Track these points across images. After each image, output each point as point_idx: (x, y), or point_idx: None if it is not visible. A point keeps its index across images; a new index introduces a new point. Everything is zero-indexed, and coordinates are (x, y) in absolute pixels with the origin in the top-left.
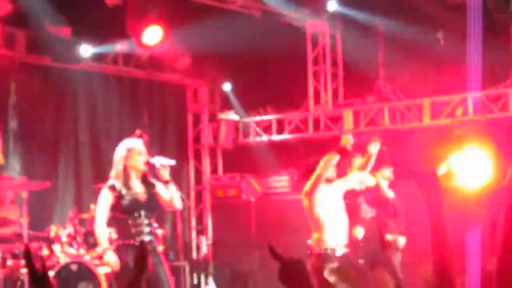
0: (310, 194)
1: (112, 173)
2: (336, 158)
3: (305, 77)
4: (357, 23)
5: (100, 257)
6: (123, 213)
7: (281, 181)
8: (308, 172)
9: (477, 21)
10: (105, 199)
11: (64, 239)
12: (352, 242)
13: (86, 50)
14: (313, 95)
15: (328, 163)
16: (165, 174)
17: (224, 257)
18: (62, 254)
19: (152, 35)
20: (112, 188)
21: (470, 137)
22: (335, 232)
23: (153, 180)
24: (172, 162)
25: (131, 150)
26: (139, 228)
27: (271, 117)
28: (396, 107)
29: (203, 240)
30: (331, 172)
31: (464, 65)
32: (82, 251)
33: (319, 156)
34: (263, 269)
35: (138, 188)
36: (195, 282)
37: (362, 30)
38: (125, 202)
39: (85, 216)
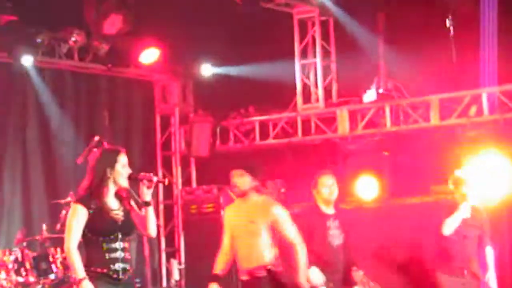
0: None
1: (85, 183)
2: None
3: (292, 72)
4: (352, 8)
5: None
6: (97, 235)
7: (266, 194)
8: None
9: (491, 6)
10: (79, 216)
11: (10, 265)
12: None
13: (35, 42)
14: (302, 93)
15: None
16: (148, 193)
17: (199, 284)
18: (8, 283)
19: (113, 24)
20: (86, 202)
21: (486, 140)
22: None
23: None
24: (164, 179)
25: (116, 161)
26: (113, 254)
27: (254, 119)
28: (399, 106)
29: (174, 264)
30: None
31: (477, 57)
32: (31, 278)
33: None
34: None
35: (113, 204)
36: None
37: (359, 15)
38: (101, 221)
39: (36, 238)
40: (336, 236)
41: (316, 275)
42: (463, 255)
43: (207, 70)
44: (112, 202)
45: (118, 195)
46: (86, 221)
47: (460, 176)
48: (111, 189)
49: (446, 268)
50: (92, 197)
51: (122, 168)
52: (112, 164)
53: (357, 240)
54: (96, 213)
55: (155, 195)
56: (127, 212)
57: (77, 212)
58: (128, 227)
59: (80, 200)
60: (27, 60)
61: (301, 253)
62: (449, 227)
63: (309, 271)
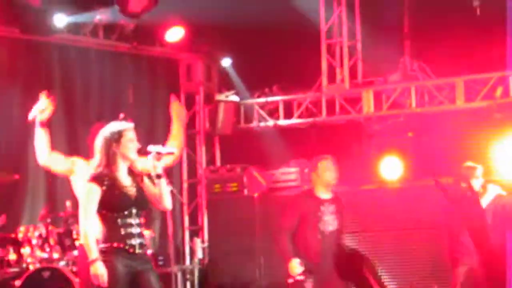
0: None
1: (95, 162)
2: None
3: (317, 51)
4: None
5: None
6: (111, 211)
7: (289, 174)
8: None
9: None
10: (92, 193)
11: (34, 241)
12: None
13: (60, 19)
14: (327, 73)
15: None
16: (159, 166)
17: (222, 263)
18: (32, 258)
19: (139, 1)
20: (99, 179)
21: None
22: None
23: (139, 172)
24: (173, 150)
25: (122, 136)
26: (129, 229)
27: (278, 98)
28: (424, 87)
29: (197, 243)
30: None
31: (504, 38)
32: (55, 255)
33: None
34: (268, 277)
35: (126, 181)
36: None
37: None
38: (114, 197)
39: (60, 214)
40: (329, 222)
41: (295, 265)
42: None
43: (226, 63)
44: (124, 178)
45: (131, 171)
46: (100, 198)
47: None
48: (121, 165)
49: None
50: (104, 174)
51: (128, 142)
52: (118, 139)
53: (380, 220)
54: (108, 190)
55: (178, 173)
56: (140, 188)
57: (90, 191)
58: (142, 202)
59: (93, 178)
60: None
61: None
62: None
63: (290, 262)
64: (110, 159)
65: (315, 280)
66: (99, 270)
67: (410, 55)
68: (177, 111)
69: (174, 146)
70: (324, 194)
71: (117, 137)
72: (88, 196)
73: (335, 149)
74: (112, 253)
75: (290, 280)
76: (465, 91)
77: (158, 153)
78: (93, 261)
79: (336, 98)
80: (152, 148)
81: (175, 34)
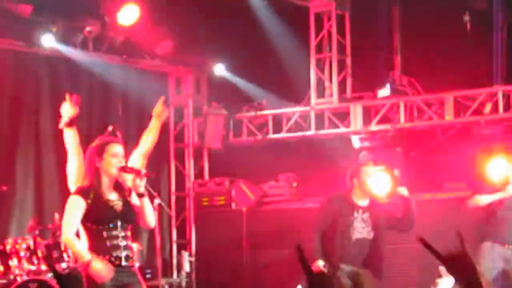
0: None
1: (82, 176)
2: None
3: (307, 66)
4: (368, 1)
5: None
6: (96, 224)
7: (278, 188)
8: None
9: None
10: (76, 206)
11: (22, 253)
12: None
13: (50, 31)
14: (316, 87)
15: None
16: (141, 185)
17: (209, 277)
18: (20, 270)
19: (128, 14)
20: (84, 193)
21: (501, 139)
22: None
23: (127, 186)
24: (147, 173)
25: (104, 151)
26: (114, 241)
27: (267, 112)
28: (413, 102)
29: (185, 256)
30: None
31: (491, 54)
32: (43, 267)
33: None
34: None
35: (111, 195)
36: None
37: (374, 10)
38: (99, 210)
39: (48, 226)
40: (358, 229)
41: (318, 266)
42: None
43: (219, 70)
44: (108, 192)
45: (118, 185)
46: (85, 211)
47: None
48: (104, 180)
49: (492, 235)
50: (90, 188)
51: (111, 158)
52: (99, 153)
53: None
54: (93, 203)
55: (167, 186)
56: (127, 202)
57: (74, 203)
58: (128, 216)
59: (78, 191)
60: (45, 44)
61: None
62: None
63: (315, 262)
64: (93, 174)
65: None
66: (101, 266)
67: (400, 70)
68: (158, 110)
69: (148, 140)
70: (360, 201)
71: (99, 151)
72: (71, 208)
73: (324, 163)
74: None
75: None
76: (454, 107)
77: (137, 174)
78: (89, 262)
79: (325, 112)
80: (130, 169)
81: (164, 46)
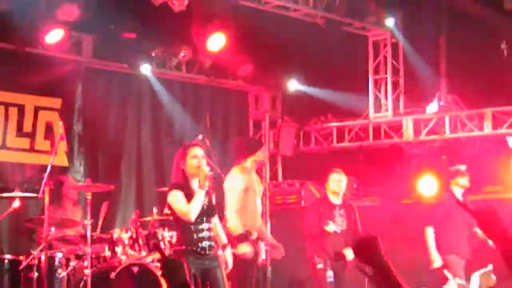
0: None
1: (173, 176)
2: None
3: (366, 86)
4: (419, 33)
5: (159, 260)
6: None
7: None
8: None
9: None
10: (180, 196)
11: (126, 241)
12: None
13: (150, 55)
14: (374, 104)
15: None
16: (206, 184)
17: (281, 263)
18: (124, 256)
19: (216, 41)
20: (181, 188)
21: None
22: None
23: (211, 185)
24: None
25: (186, 154)
26: (201, 233)
27: (332, 125)
28: (457, 117)
29: (261, 245)
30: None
31: None
32: (143, 253)
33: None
34: None
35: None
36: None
37: (424, 39)
38: None
39: (147, 219)
40: (339, 223)
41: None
42: None
43: (293, 85)
44: (194, 189)
45: (198, 182)
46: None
47: None
48: (190, 179)
49: None
50: (181, 185)
51: (191, 159)
52: (183, 157)
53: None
54: (186, 198)
55: None
56: (210, 199)
57: (177, 195)
58: (211, 211)
59: (174, 186)
60: (145, 69)
61: None
62: None
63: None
64: (180, 174)
65: (333, 270)
66: (244, 248)
67: (445, 89)
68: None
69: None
70: (335, 200)
71: (183, 155)
72: (178, 199)
73: (380, 169)
74: (186, 254)
75: (319, 266)
76: (492, 121)
77: (206, 175)
78: (225, 245)
79: (381, 125)
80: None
81: (245, 69)
